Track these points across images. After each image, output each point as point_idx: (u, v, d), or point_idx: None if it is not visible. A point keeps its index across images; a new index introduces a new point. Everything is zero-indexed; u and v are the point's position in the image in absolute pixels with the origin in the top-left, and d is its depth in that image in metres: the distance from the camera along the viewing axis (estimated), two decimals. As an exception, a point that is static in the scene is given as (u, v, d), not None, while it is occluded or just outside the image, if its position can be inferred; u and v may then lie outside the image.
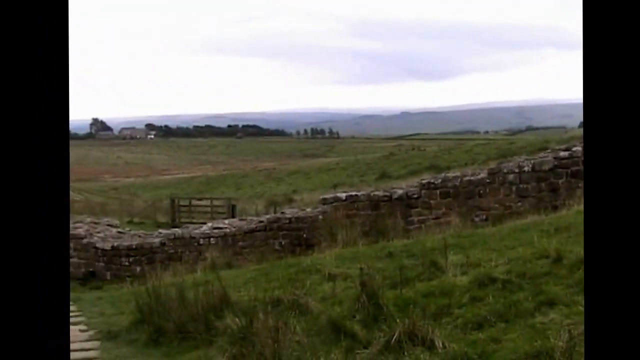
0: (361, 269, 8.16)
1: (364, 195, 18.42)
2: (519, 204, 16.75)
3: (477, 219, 16.68)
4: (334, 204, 18.27)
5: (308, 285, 9.42)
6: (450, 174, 19.39)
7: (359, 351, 6.60)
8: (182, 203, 41.27)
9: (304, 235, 18.37)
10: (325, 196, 19.51)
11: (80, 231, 19.25)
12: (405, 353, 6.26)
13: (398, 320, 6.67)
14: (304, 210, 19.80)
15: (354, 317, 7.47)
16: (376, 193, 18.55)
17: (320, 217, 18.06)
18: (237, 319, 7.24)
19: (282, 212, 20.03)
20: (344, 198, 18.36)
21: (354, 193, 19.03)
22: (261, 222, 19.12)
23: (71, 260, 18.90)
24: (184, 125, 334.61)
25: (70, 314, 11.55)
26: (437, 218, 17.48)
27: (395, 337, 6.45)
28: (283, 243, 18.34)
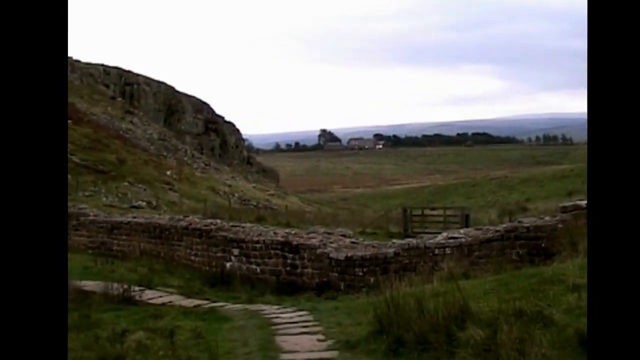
0: (609, 279, 7.87)
1: (606, 202, 17.66)
2: None
3: None
4: (573, 212, 17.67)
5: (551, 296, 9.18)
6: None
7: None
8: (414, 213, 41.50)
9: (543, 245, 17.89)
10: (565, 204, 18.91)
11: (314, 241, 19.76)
12: (663, 369, 5.98)
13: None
14: (541, 218, 19.31)
15: (603, 330, 7.20)
16: (619, 200, 17.74)
17: (560, 225, 17.54)
18: (479, 330, 7.18)
19: (519, 221, 19.62)
20: (584, 206, 17.73)
21: (595, 200, 18.29)
22: (497, 231, 18.84)
23: (305, 270, 19.47)
24: (413, 135, 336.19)
25: (308, 324, 11.93)
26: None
27: (650, 351, 6.17)
28: (520, 253, 17.95)
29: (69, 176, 50.38)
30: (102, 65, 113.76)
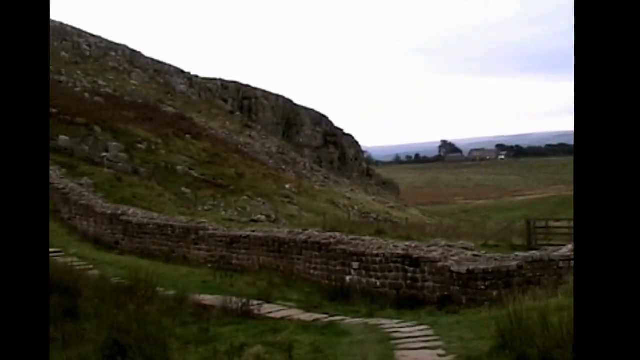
0: None
1: None
2: None
3: None
4: None
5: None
6: None
7: None
8: (538, 224, 40.73)
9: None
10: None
11: (435, 254, 19.58)
12: None
13: None
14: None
15: None
16: None
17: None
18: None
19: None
20: None
21: None
22: (625, 243, 18.30)
23: (426, 284, 19.31)
24: (536, 145, 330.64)
25: (428, 338, 11.83)
26: None
27: None
28: (651, 265, 17.42)
29: (188, 190, 51.52)
30: (220, 79, 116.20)
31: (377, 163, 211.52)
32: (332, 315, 16.50)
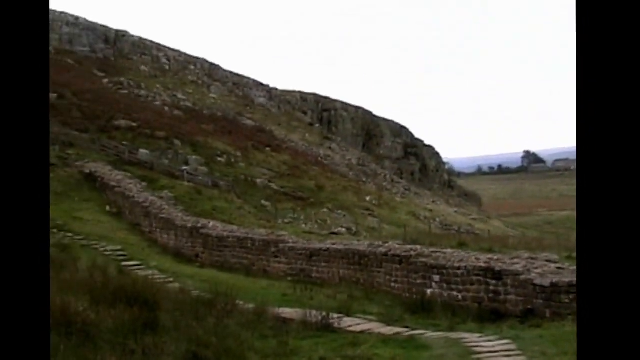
0: None
1: None
2: None
3: None
4: None
5: None
6: None
7: None
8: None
9: None
10: None
11: (518, 267, 19.33)
12: None
13: None
14: None
15: None
16: None
17: None
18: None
19: None
20: None
21: None
22: None
23: (509, 297, 19.09)
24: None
25: (510, 353, 11.73)
26: None
27: None
28: None
29: (268, 203, 51.90)
30: (299, 92, 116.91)
31: (459, 174, 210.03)
32: (413, 329, 16.41)
